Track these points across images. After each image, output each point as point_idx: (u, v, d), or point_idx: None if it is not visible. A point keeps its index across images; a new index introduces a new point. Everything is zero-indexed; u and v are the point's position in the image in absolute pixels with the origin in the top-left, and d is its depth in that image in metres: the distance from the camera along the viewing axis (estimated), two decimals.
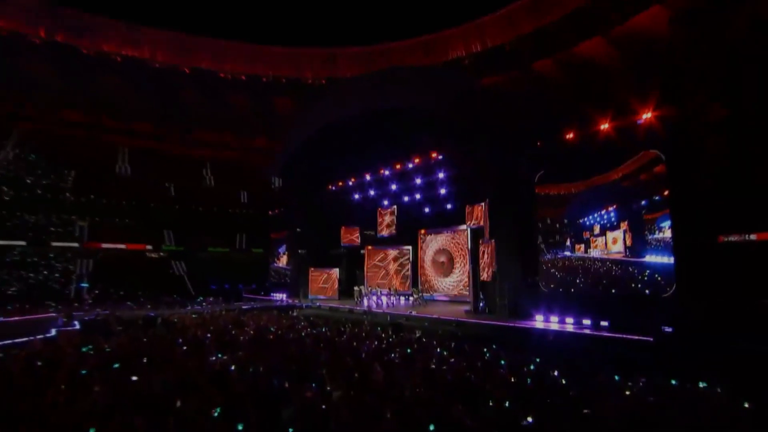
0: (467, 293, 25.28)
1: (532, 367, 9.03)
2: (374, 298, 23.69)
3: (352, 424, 5.59)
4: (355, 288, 26.48)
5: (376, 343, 11.65)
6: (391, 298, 25.16)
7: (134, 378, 7.31)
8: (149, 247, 42.32)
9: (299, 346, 10.76)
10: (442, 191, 25.34)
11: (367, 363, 8.99)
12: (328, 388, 7.30)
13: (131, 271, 38.05)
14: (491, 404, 6.50)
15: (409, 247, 29.79)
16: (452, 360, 9.37)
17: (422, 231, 29.40)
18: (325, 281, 30.11)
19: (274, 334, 13.38)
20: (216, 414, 5.99)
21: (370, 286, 25.77)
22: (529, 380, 7.69)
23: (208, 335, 12.42)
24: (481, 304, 19.41)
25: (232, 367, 8.48)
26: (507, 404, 6.16)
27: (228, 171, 45.04)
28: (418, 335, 15.18)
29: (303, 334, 13.27)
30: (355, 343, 11.36)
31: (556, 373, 8.28)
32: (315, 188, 31.03)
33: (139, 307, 23.93)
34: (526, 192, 17.62)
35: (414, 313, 19.47)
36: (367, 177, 26.39)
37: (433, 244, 28.66)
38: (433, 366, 8.68)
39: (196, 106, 44.64)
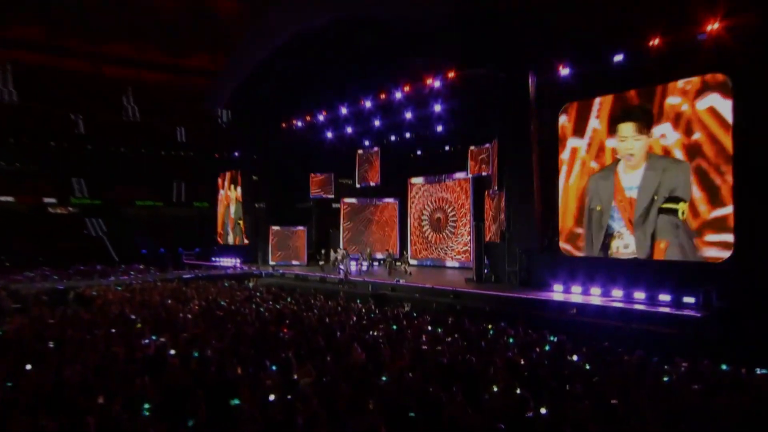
0: (468, 258, 25.74)
1: (547, 347, 9.27)
2: (353, 263, 23.86)
3: (325, 418, 5.67)
4: (333, 252, 26.52)
5: (354, 319, 11.82)
6: (364, 264, 25.42)
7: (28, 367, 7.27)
8: (52, 200, 40.81)
9: (258, 324, 10.84)
10: (439, 129, 25.09)
11: (343, 343, 9.14)
12: (295, 376, 7.40)
13: (27, 232, 36.87)
14: (496, 392, 6.68)
15: (396, 201, 29.84)
16: (449, 339, 9.57)
17: (412, 180, 29.38)
18: (290, 243, 30.16)
19: (226, 309, 13.47)
20: (147, 411, 6.04)
21: (346, 248, 25.89)
22: (546, 363, 7.90)
23: (139, 314, 12.41)
24: (485, 271, 19.73)
25: (171, 352, 8.51)
26: (517, 392, 6.31)
27: (157, 99, 42.75)
28: (406, 309, 15.51)
29: (262, 309, 13.38)
30: (327, 320, 11.50)
31: (576, 357, 8.52)
32: (275, 124, 30.35)
33: (41, 279, 23.59)
34: (548, 126, 17.48)
35: (402, 281, 19.74)
36: (343, 110, 25.79)
37: (426, 196, 28.74)
38: (425, 347, 8.84)
39: (108, 9, 41.64)
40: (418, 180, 29.41)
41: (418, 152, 29.22)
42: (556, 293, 15.94)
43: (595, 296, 14.96)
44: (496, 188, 20.93)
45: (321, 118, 27.52)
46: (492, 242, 20.41)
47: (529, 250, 17.59)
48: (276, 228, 30.30)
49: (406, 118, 24.31)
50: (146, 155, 42.94)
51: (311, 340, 9.34)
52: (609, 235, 16.06)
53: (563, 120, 17.33)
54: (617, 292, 14.53)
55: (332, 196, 30.70)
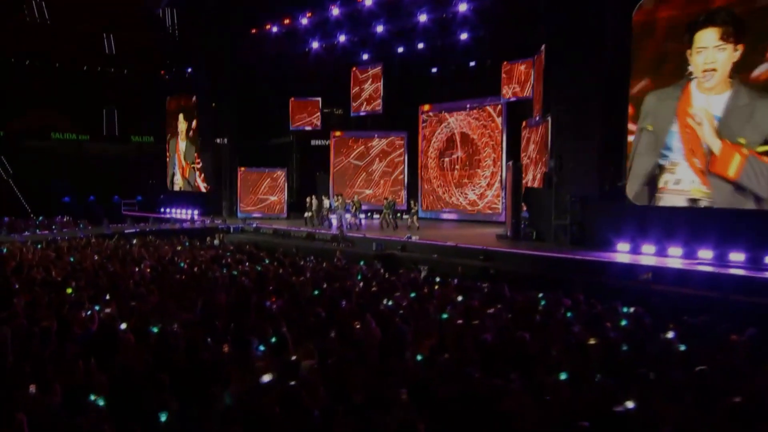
0: (498, 209, 25.47)
1: (624, 322, 9.08)
2: (348, 216, 23.47)
3: (338, 414, 5.47)
4: (323, 200, 26.15)
5: (361, 285, 11.65)
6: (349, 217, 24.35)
7: None
8: None
9: (234, 291, 10.64)
10: (463, 36, 24.35)
11: (350, 316, 8.95)
12: (293, 357, 7.19)
13: None
14: (565, 380, 6.48)
15: (404, 134, 29.33)
16: (491, 311, 9.37)
17: (425, 107, 28.78)
18: (265, 190, 29.83)
19: (187, 273, 13.26)
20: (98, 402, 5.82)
21: (338, 195, 25.55)
22: (626, 342, 7.71)
23: (71, 278, 12.16)
24: (522, 226, 19.43)
25: (122, 326, 8.28)
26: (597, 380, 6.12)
27: None
28: (424, 273, 15.38)
29: (236, 272, 13.17)
30: (326, 286, 11.31)
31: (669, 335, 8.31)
32: (242, 29, 29.47)
33: None
34: (617, 29, 16.82)
35: (414, 238, 19.52)
36: (334, 10, 24.96)
37: (444, 129, 28.18)
38: (459, 321, 8.67)
39: None
40: (433, 107, 28.73)
41: (433, 70, 28.42)
42: (621, 253, 15.69)
43: (675, 257, 14.68)
44: (538, 117, 20.43)
45: (304, 21, 26.61)
46: (533, 188, 20.00)
47: (586, 197, 17.22)
48: (245, 170, 29.87)
49: (419, 22, 23.52)
50: (62, 72, 40.53)
51: (307, 312, 9.13)
52: (659, 167, 15.78)
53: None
54: (706, 253, 14.23)
55: (319, 128, 30.07)
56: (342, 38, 26.83)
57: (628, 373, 6.59)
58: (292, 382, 5.93)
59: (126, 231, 23.86)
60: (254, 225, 25.55)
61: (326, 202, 25.02)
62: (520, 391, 5.87)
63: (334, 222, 22.48)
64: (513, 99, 23.98)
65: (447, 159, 28.07)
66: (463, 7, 22.04)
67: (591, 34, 16.87)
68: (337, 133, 30.12)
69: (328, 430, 5.11)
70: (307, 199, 26.48)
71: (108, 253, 16.39)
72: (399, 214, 24.70)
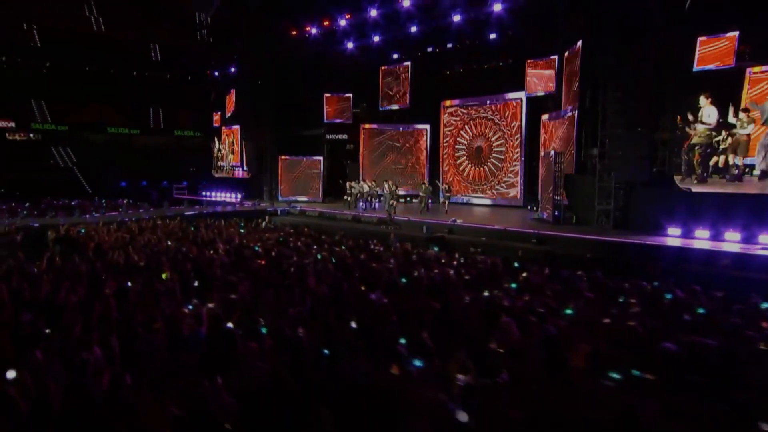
0: (517, 195, 23.32)
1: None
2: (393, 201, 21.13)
3: None
4: (363, 185, 23.66)
5: (452, 273, 9.39)
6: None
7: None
8: (10, 124, 37.32)
9: (333, 280, 8.34)
10: (492, 36, 21.94)
11: (471, 313, 6.74)
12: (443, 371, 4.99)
13: None
14: None
15: (426, 126, 26.92)
16: (634, 305, 7.18)
17: (447, 102, 26.36)
18: (303, 176, 27.43)
19: (263, 256, 10.97)
20: None
21: (386, 181, 23.22)
22: None
23: (152, 262, 9.84)
24: (555, 213, 17.16)
25: (229, 325, 6.04)
26: None
27: (125, 11, 36.90)
28: (479, 257, 13.16)
29: (317, 257, 10.86)
30: (416, 274, 9.06)
31: None
32: (281, 32, 26.89)
33: (10, 214, 20.95)
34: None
35: (459, 221, 17.26)
36: (372, 11, 22.41)
37: (465, 122, 25.78)
38: (607, 320, 6.44)
39: None
40: (454, 102, 26.22)
41: (459, 69, 25.96)
42: (672, 238, 13.48)
43: (733, 242, 12.49)
44: (569, 109, 18.20)
45: (342, 22, 24.06)
46: (571, 175, 17.74)
47: (632, 183, 14.99)
48: (286, 158, 27.42)
49: (453, 22, 21.04)
50: (116, 75, 39.02)
51: (421, 308, 6.90)
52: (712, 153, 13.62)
53: None
54: (765, 238, 12.04)
55: (350, 121, 27.59)
56: (376, 38, 24.23)
57: None
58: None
59: (186, 213, 21.38)
60: (298, 208, 23.15)
61: (365, 187, 22.55)
62: None
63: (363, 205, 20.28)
64: (540, 94, 21.53)
65: (467, 149, 25.61)
66: (497, 7, 19.51)
67: (637, 22, 14.53)
68: (366, 126, 27.55)
69: None
70: (347, 184, 24.10)
71: (179, 235, 14.02)
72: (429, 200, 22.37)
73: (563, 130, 19.43)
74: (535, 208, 19.53)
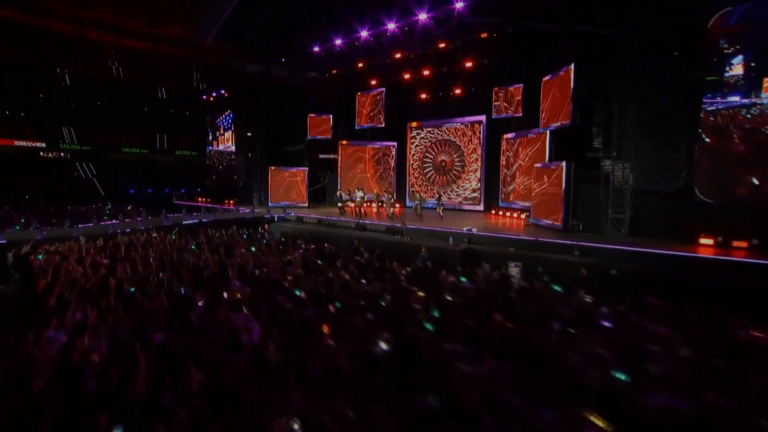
0: (478, 200, 18.26)
1: None
2: (385, 206, 15.28)
3: None
4: (355, 192, 17.30)
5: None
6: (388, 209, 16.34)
7: None
8: (41, 144, 31.79)
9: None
10: (468, 65, 16.59)
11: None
12: None
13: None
14: None
15: (394, 144, 21.24)
16: None
17: (413, 124, 20.80)
18: (289, 184, 20.92)
19: (298, 299, 4.95)
20: None
21: (386, 191, 17.38)
22: None
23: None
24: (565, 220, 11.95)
25: None
26: None
27: (139, 62, 32.43)
28: (516, 275, 7.79)
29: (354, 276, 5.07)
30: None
31: None
32: (273, 57, 20.15)
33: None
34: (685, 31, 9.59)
35: (475, 230, 11.80)
36: (363, 32, 16.34)
37: (429, 140, 20.32)
38: None
39: None
40: (418, 124, 20.67)
41: (426, 95, 20.30)
42: (704, 247, 8.69)
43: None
44: (554, 125, 13.17)
45: (338, 42, 17.77)
46: (578, 184, 12.50)
47: (654, 192, 10.07)
48: (274, 168, 20.79)
49: (437, 49, 15.46)
50: (130, 109, 34.49)
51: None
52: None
53: None
54: None
55: (330, 137, 21.39)
56: (360, 64, 18.21)
57: None
58: None
59: (184, 222, 14.15)
60: (292, 214, 16.70)
61: (359, 194, 16.49)
62: None
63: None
64: (504, 116, 16.46)
65: (433, 163, 20.17)
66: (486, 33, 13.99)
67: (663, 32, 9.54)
68: (344, 142, 21.44)
69: None
70: (338, 192, 17.94)
71: (174, 259, 7.49)
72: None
73: (538, 145, 14.49)
74: (527, 215, 14.27)
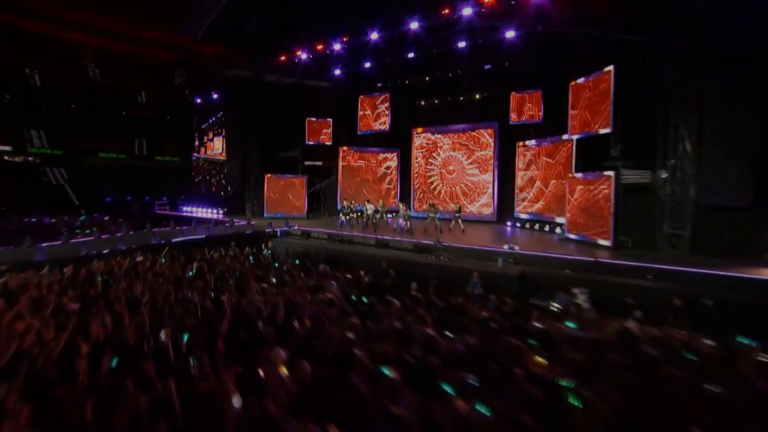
0: (490, 211, 16.83)
1: None
2: (400, 219, 13.40)
3: None
4: (367, 205, 15.29)
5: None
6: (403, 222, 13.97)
7: None
8: (6, 148, 29.43)
9: None
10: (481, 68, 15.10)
11: None
12: None
13: None
14: None
15: (397, 150, 19.64)
16: None
17: (419, 129, 19.23)
18: (287, 193, 18.94)
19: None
20: None
21: (350, 200, 15.59)
22: None
23: None
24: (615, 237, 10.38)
25: None
26: None
27: (119, 65, 29.57)
28: (583, 303, 6.23)
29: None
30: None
31: None
32: (267, 58, 18.17)
33: None
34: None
35: (517, 248, 10.11)
36: (374, 34, 14.62)
37: (437, 147, 18.76)
38: None
39: None
40: (424, 129, 19.06)
41: (435, 100, 18.68)
42: None
43: None
44: (587, 132, 11.81)
45: (338, 47, 16.01)
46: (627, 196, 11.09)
47: (725, 207, 8.70)
48: (271, 176, 18.77)
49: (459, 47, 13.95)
50: (108, 113, 32.34)
51: None
52: None
53: None
54: None
55: (330, 143, 19.56)
56: (368, 65, 16.52)
57: None
58: None
59: (173, 240, 11.48)
60: (295, 227, 14.65)
61: (370, 208, 14.62)
62: None
63: (401, 223, 12.46)
64: (525, 122, 15.07)
65: (440, 170, 18.59)
66: (511, 34, 12.47)
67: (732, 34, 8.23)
68: (345, 148, 19.61)
69: None
70: (344, 203, 16.06)
71: (172, 299, 5.51)
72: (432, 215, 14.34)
73: (562, 153, 13.10)
74: (558, 230, 12.78)
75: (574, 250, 10.22)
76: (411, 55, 14.98)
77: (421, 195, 18.99)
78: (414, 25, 13.13)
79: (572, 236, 11.95)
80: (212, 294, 5.68)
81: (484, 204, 17.36)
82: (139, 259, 8.43)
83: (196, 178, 26.73)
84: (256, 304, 5.11)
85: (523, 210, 15.74)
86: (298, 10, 16.26)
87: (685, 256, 9.03)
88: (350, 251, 11.33)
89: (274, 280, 6.58)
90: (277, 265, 8.95)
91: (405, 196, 19.29)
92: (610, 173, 10.57)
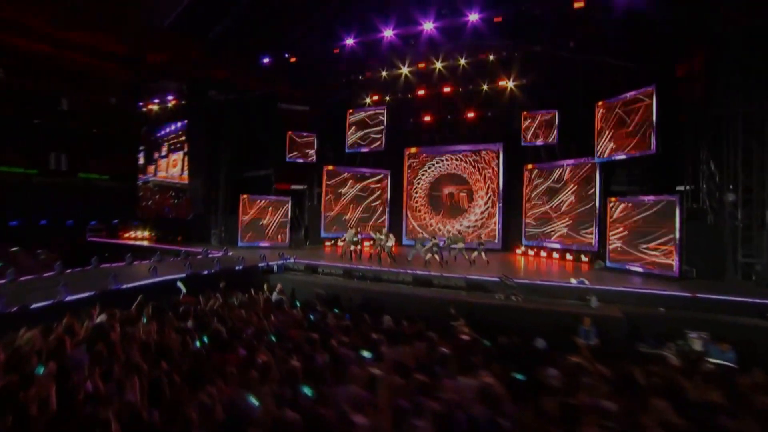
0: (495, 238, 15.19)
1: None
2: (426, 249, 10.73)
3: None
4: (375, 234, 12.55)
5: None
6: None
7: None
8: None
9: None
10: (485, 87, 13.65)
11: None
12: None
13: None
14: None
15: (388, 171, 17.39)
16: None
17: (412, 150, 17.23)
18: (265, 219, 15.62)
19: None
20: None
21: (356, 228, 13.00)
22: None
23: None
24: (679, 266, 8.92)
25: None
26: None
27: (33, 66, 22.36)
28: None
29: None
30: None
31: None
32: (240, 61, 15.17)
33: None
34: None
35: (587, 283, 8.09)
36: (387, 32, 12.43)
37: (433, 169, 16.87)
38: None
39: None
40: (418, 150, 17.13)
41: (430, 118, 16.78)
42: None
43: None
44: (640, 151, 10.61)
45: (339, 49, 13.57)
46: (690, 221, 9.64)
47: None
48: (247, 197, 15.42)
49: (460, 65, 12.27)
50: (14, 120, 24.09)
51: None
52: None
53: None
54: None
55: (314, 161, 16.75)
56: (355, 77, 14.34)
57: None
58: None
59: (145, 282, 7.39)
60: (291, 260, 11.34)
61: (390, 241, 11.81)
62: None
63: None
64: (538, 143, 13.72)
65: (438, 194, 16.64)
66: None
67: None
68: (330, 167, 16.92)
69: None
70: (351, 230, 13.12)
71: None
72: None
73: (582, 176, 11.92)
74: (599, 260, 11.18)
75: (643, 284, 8.65)
76: (401, 69, 13.10)
77: (419, 223, 16.84)
78: (388, 33, 11.31)
79: (615, 266, 10.48)
80: (276, 389, 2.85)
81: (489, 231, 15.62)
82: (102, 319, 5.09)
83: (144, 202, 22.01)
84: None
85: (533, 237, 14.22)
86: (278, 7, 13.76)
87: (763, 287, 7.84)
88: (382, 291, 8.54)
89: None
90: (312, 317, 6.08)
91: (396, 224, 16.98)
92: (673, 197, 9.31)
